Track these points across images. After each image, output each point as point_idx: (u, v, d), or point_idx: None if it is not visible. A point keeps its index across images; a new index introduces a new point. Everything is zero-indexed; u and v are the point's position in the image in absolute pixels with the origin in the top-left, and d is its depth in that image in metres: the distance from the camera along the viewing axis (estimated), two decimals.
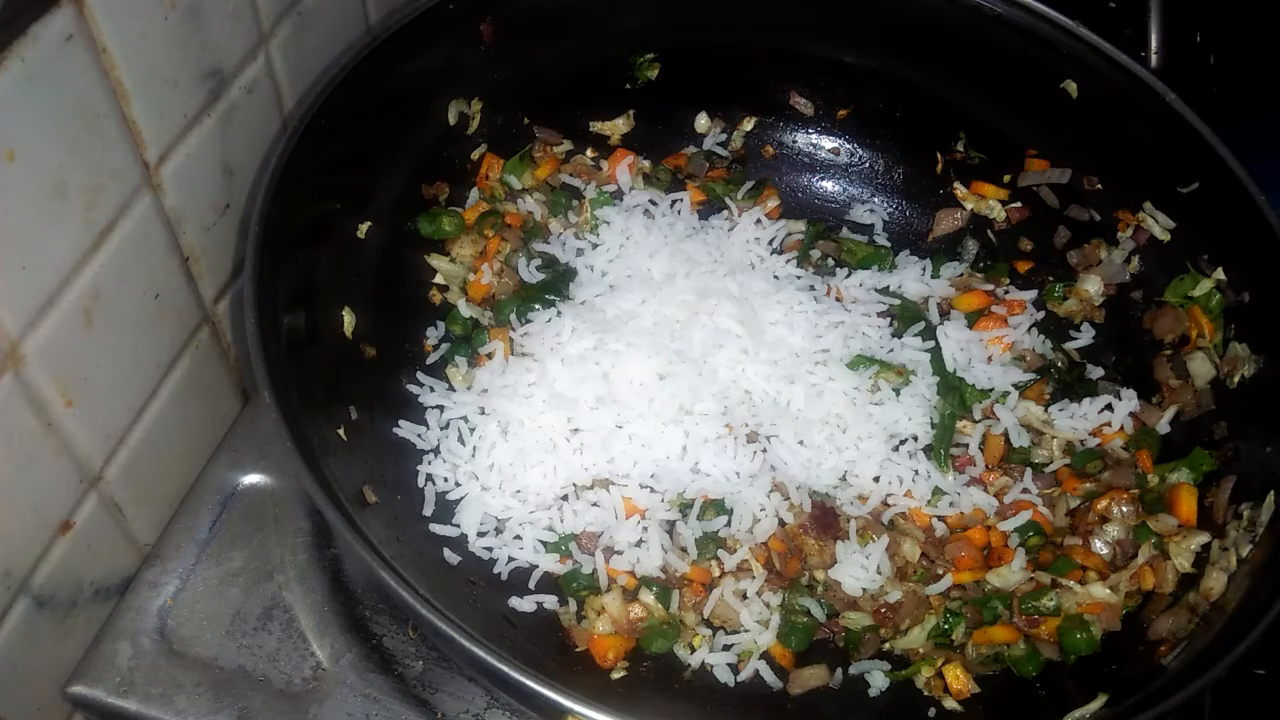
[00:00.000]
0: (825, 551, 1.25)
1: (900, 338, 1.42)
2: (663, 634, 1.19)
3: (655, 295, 1.39)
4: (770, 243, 1.51)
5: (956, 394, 1.36)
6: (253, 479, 1.30)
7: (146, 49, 1.03)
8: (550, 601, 1.20)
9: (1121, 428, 1.34)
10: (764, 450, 1.28)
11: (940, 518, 1.29)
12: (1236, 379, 1.28)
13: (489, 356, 1.33)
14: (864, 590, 1.23)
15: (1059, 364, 1.42)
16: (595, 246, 1.46)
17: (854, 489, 1.29)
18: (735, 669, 1.18)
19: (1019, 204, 1.53)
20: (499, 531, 1.22)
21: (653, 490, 1.24)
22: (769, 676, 1.19)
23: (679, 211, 1.50)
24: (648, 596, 1.19)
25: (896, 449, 1.32)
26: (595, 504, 1.23)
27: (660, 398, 1.27)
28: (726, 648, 1.19)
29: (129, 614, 1.19)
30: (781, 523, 1.25)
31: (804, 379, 1.34)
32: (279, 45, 1.26)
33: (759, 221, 1.52)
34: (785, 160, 1.62)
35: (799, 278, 1.46)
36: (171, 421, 1.24)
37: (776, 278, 1.45)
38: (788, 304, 1.40)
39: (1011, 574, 1.24)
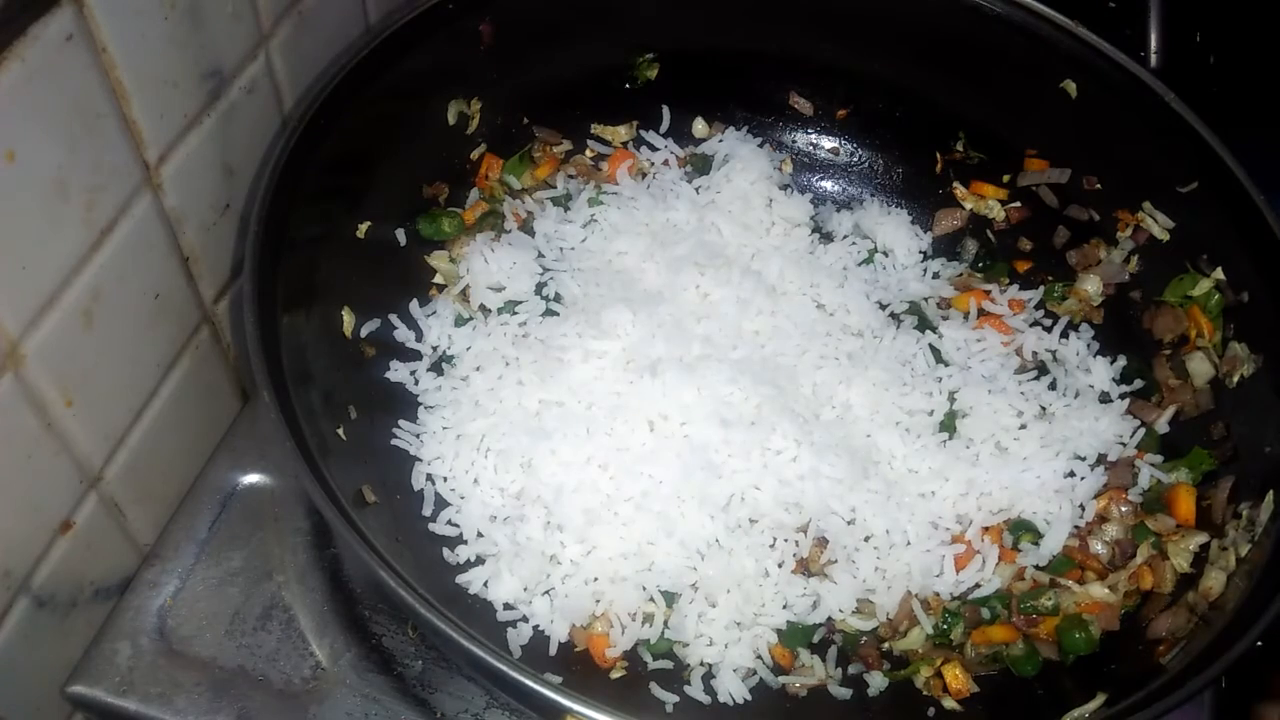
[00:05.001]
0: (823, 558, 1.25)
1: (900, 338, 1.42)
2: (664, 634, 1.19)
3: (655, 296, 1.39)
4: (773, 245, 1.51)
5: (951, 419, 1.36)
6: (252, 479, 1.30)
7: (146, 49, 1.03)
8: (548, 602, 1.19)
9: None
10: (762, 454, 1.28)
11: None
12: (1236, 379, 1.28)
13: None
14: (859, 601, 1.23)
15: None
16: (594, 246, 1.46)
17: (849, 503, 1.27)
18: (736, 669, 1.18)
19: (1018, 204, 1.54)
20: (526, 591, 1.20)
21: (653, 491, 1.24)
22: (769, 676, 1.19)
23: (679, 212, 1.49)
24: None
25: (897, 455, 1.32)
26: (595, 508, 1.23)
27: (658, 399, 1.27)
28: (727, 647, 1.19)
29: (129, 614, 1.19)
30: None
31: (804, 383, 1.34)
32: (279, 45, 1.26)
33: (753, 224, 1.51)
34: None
35: (812, 285, 1.46)
36: (171, 421, 1.24)
37: (776, 281, 1.44)
38: (788, 308, 1.40)
39: (1006, 570, 1.24)
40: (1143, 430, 1.34)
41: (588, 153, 1.56)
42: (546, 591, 1.19)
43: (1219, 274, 1.31)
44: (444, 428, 1.28)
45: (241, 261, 1.21)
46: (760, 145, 1.57)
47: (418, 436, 1.28)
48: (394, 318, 1.34)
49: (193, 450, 1.31)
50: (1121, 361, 1.41)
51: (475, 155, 1.48)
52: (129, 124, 1.04)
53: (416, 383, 1.32)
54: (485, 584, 1.19)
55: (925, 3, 1.44)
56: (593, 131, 1.56)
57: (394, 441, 1.27)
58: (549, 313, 1.38)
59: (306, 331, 1.17)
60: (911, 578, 1.24)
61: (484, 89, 1.44)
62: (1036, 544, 1.27)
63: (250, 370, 1.04)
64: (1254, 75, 1.79)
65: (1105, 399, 1.39)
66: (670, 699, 1.15)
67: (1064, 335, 1.44)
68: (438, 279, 1.42)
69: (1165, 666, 1.08)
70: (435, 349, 1.35)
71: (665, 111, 1.57)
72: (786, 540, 1.24)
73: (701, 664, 1.19)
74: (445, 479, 1.25)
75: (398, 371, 1.32)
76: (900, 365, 1.39)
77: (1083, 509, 1.29)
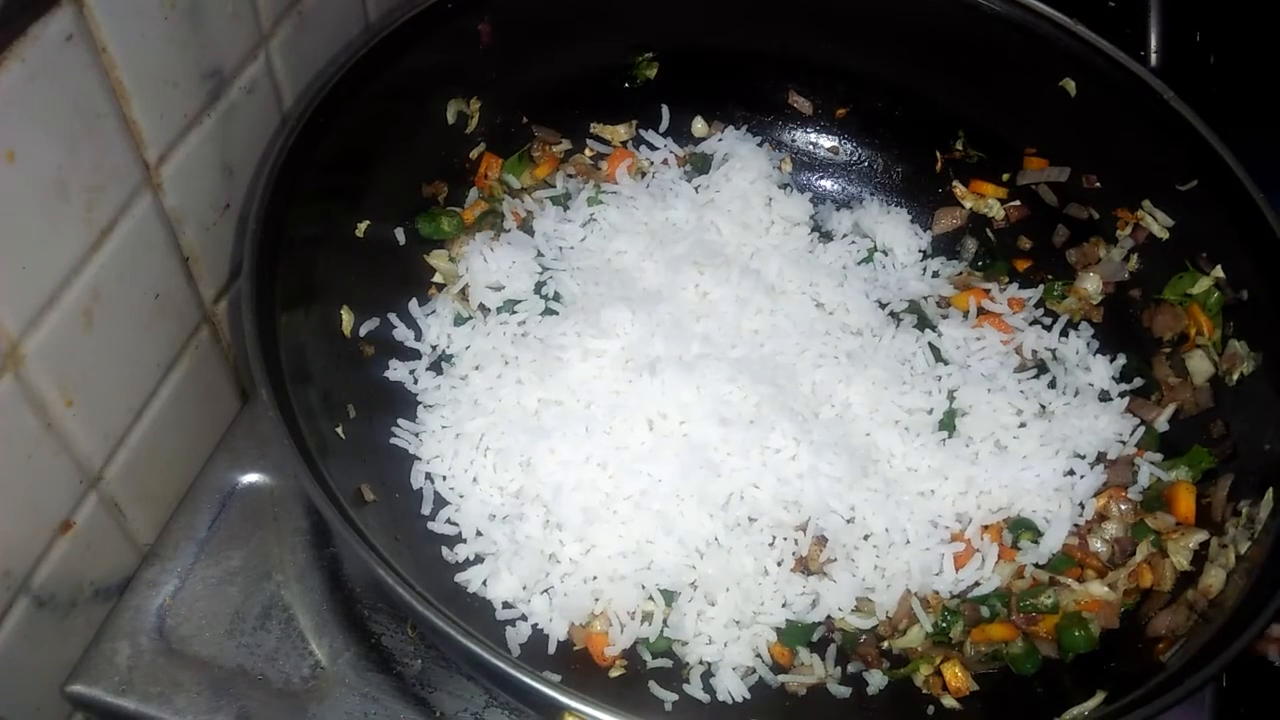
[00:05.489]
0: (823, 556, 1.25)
1: (899, 337, 1.42)
2: (663, 633, 1.19)
3: (654, 295, 1.39)
4: (773, 244, 1.51)
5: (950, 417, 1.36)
6: (251, 478, 1.30)
7: (146, 49, 1.04)
8: (546, 601, 1.19)
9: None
10: (761, 452, 1.28)
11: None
12: (1235, 376, 1.28)
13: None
14: (859, 599, 1.23)
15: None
16: (593, 246, 1.46)
17: (848, 501, 1.27)
18: (735, 667, 1.18)
19: (1018, 202, 1.54)
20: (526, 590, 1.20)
21: (652, 490, 1.24)
22: (768, 675, 1.19)
23: (678, 211, 1.49)
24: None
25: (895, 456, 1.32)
26: (595, 506, 1.23)
27: (657, 398, 1.27)
28: (726, 645, 1.19)
29: (128, 613, 1.19)
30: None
31: (803, 381, 1.34)
32: (279, 45, 1.26)
33: (752, 223, 1.51)
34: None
35: (811, 284, 1.46)
36: (171, 421, 1.24)
37: (775, 280, 1.44)
38: (787, 307, 1.40)
39: (1006, 568, 1.24)
40: (1142, 428, 1.34)
41: (587, 152, 1.56)
42: (545, 590, 1.19)
43: (1218, 272, 1.31)
44: (443, 426, 1.28)
45: (241, 261, 1.21)
46: (759, 144, 1.57)
47: (417, 435, 1.28)
48: (393, 317, 1.35)
49: (192, 450, 1.31)
50: (1121, 360, 1.41)
51: (474, 154, 1.49)
52: (129, 124, 1.04)
53: (415, 381, 1.32)
54: (484, 582, 1.19)
55: (925, 2, 1.44)
56: (592, 131, 1.57)
57: (393, 440, 1.27)
58: (548, 312, 1.39)
59: (305, 331, 1.18)
60: (911, 576, 1.24)
61: (483, 88, 1.44)
62: (1036, 542, 1.27)
63: (250, 370, 1.04)
64: (1254, 75, 1.79)
65: (1105, 397, 1.39)
66: (669, 697, 1.15)
67: (1063, 334, 1.44)
68: (437, 278, 1.42)
69: (1165, 664, 1.08)
70: (434, 348, 1.35)
71: (665, 111, 1.57)
72: (786, 539, 1.24)
73: (701, 662, 1.19)
74: (444, 478, 1.26)
75: (397, 370, 1.32)
76: (900, 364, 1.39)
77: (1082, 507, 1.29)
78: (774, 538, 1.24)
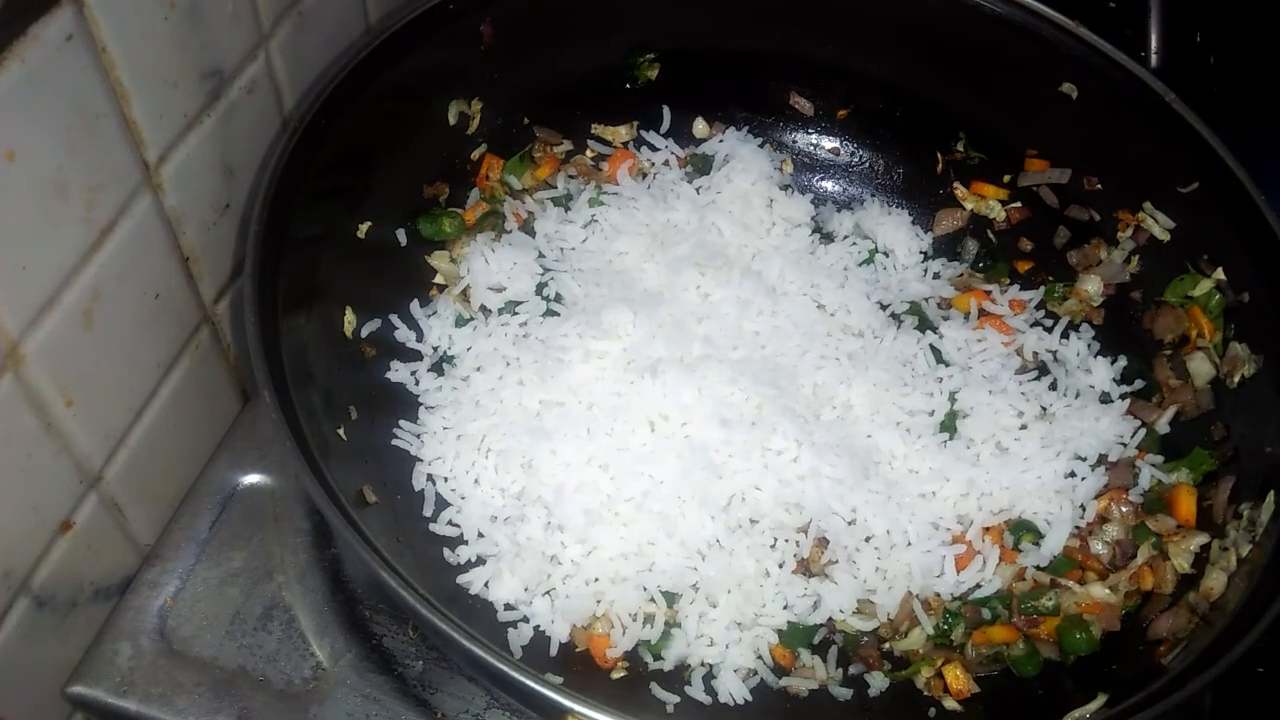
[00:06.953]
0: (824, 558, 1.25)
1: (900, 338, 1.42)
2: (665, 634, 1.19)
3: (655, 297, 1.39)
4: (774, 245, 1.51)
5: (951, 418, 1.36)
6: (253, 479, 1.30)
7: (146, 49, 1.03)
8: (548, 603, 1.19)
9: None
10: (762, 454, 1.28)
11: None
12: (1236, 379, 1.28)
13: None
14: (860, 601, 1.23)
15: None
16: (595, 247, 1.46)
17: (849, 503, 1.27)
18: (736, 669, 1.18)
19: (1019, 204, 1.54)
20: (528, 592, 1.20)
21: (653, 491, 1.24)
22: (769, 677, 1.19)
23: (679, 212, 1.49)
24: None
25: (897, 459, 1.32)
26: (595, 509, 1.23)
27: (659, 399, 1.27)
28: (728, 647, 1.19)
29: (129, 614, 1.19)
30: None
31: (805, 383, 1.34)
32: (279, 45, 1.26)
33: (753, 224, 1.51)
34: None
35: (812, 285, 1.46)
36: (171, 421, 1.24)
37: (776, 281, 1.44)
38: (788, 308, 1.40)
39: (1007, 570, 1.24)
40: (1143, 430, 1.34)
41: (588, 153, 1.56)
42: (547, 592, 1.19)
43: (1219, 274, 1.31)
44: (444, 428, 1.28)
45: (241, 261, 1.21)
46: (761, 145, 1.58)
47: (418, 437, 1.28)
48: (394, 318, 1.34)
49: (193, 450, 1.31)
50: (1122, 362, 1.41)
51: (476, 155, 1.48)
52: (129, 124, 1.04)
53: (417, 383, 1.32)
54: (486, 584, 1.19)
55: (926, 3, 1.44)
56: (593, 131, 1.56)
57: (395, 442, 1.27)
58: (549, 313, 1.38)
59: (307, 332, 1.17)
60: (912, 578, 1.24)
61: (484, 89, 1.44)
62: (1037, 544, 1.27)
63: (250, 370, 1.04)
64: (1254, 76, 1.79)
65: (1106, 399, 1.39)
66: (671, 699, 1.15)
67: (1064, 335, 1.44)
68: (438, 279, 1.42)
69: (1166, 667, 1.08)
70: (436, 349, 1.35)
71: (665, 111, 1.57)
72: (787, 540, 1.24)
73: (702, 664, 1.19)
74: (446, 479, 1.25)
75: (398, 372, 1.32)
76: (901, 365, 1.39)
77: (1083, 509, 1.29)
78: (775, 539, 1.24)
